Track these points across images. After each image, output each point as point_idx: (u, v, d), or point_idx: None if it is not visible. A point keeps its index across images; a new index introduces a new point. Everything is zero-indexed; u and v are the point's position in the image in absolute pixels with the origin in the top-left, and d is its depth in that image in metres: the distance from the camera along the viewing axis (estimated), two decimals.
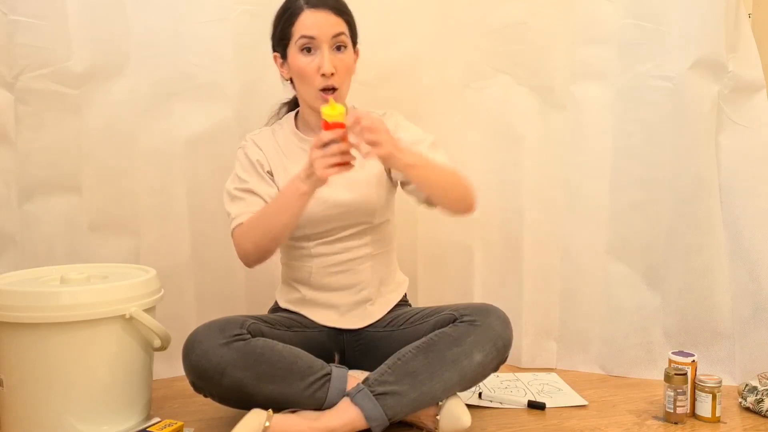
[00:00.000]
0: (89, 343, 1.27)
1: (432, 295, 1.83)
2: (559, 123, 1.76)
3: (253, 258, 1.38)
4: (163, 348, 1.39)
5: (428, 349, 1.31)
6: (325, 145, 1.23)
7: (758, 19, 2.00)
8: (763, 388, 1.47)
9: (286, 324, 1.42)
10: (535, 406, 1.50)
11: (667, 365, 1.46)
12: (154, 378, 1.44)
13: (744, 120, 1.65)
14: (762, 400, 1.46)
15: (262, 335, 1.32)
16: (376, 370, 1.30)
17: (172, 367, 1.59)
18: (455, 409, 1.30)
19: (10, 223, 1.62)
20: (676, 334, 1.69)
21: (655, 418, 1.45)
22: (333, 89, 1.37)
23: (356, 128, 1.21)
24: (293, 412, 1.29)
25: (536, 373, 1.76)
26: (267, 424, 1.23)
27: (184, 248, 1.72)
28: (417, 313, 1.45)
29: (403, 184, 1.46)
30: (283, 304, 1.51)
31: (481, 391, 1.56)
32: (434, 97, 1.81)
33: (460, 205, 1.38)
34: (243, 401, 1.28)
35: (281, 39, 1.41)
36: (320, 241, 1.45)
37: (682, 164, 1.65)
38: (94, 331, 1.27)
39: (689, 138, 1.65)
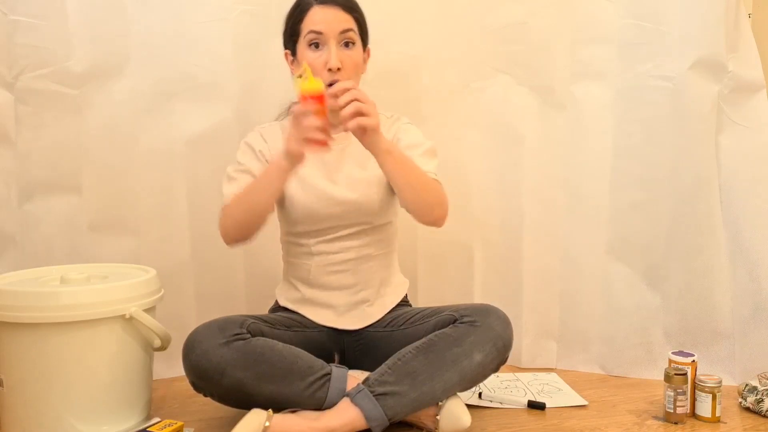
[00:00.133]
0: (89, 343, 1.27)
1: (432, 295, 1.83)
2: (559, 123, 1.76)
3: (232, 235, 1.37)
4: (163, 348, 1.39)
5: (428, 349, 1.31)
6: (300, 118, 1.21)
7: (758, 19, 2.00)
8: (763, 388, 1.47)
9: (286, 324, 1.42)
10: (535, 406, 1.50)
11: (667, 365, 1.46)
12: (154, 378, 1.44)
13: (744, 120, 1.65)
14: (762, 400, 1.46)
15: (262, 335, 1.32)
16: (376, 371, 1.30)
17: (172, 367, 1.59)
18: (455, 409, 1.30)
19: (10, 223, 1.62)
20: (676, 334, 1.69)
21: (655, 418, 1.45)
22: None
23: (345, 95, 1.20)
24: (293, 412, 1.29)
25: (536, 373, 1.76)
26: (267, 424, 1.22)
27: (184, 248, 1.72)
28: (417, 314, 1.45)
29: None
30: (282, 302, 1.51)
31: (481, 391, 1.56)
32: (434, 97, 1.81)
33: (428, 213, 1.35)
34: (243, 401, 1.28)
35: (291, 35, 1.43)
36: (321, 239, 1.45)
37: (682, 164, 1.66)
38: (94, 331, 1.27)
39: (689, 138, 1.65)
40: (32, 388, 1.26)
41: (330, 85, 1.37)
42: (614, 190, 1.72)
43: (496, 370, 1.36)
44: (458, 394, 1.34)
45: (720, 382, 1.42)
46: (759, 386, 1.48)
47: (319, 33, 1.37)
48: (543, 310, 1.81)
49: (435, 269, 1.86)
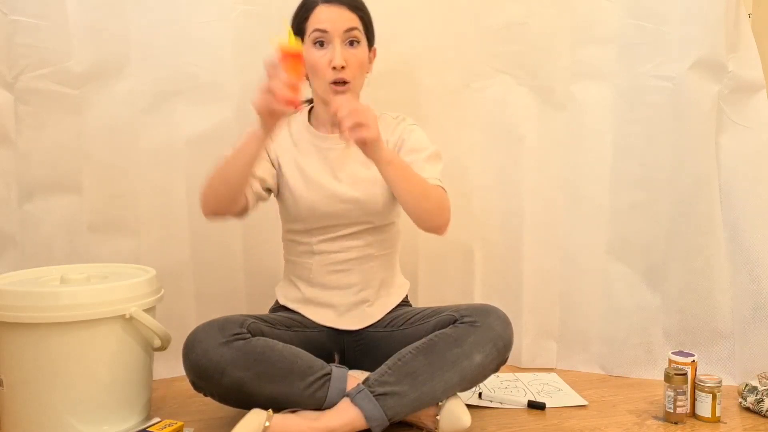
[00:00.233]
0: (89, 343, 1.27)
1: (432, 295, 1.83)
2: (559, 123, 1.76)
3: (209, 205, 1.33)
4: (163, 348, 1.39)
5: (428, 349, 1.31)
6: (272, 71, 1.18)
7: (758, 19, 2.00)
8: (763, 388, 1.47)
9: (286, 324, 1.42)
10: (535, 406, 1.50)
11: (667, 365, 1.46)
12: (154, 378, 1.44)
13: (744, 120, 1.65)
14: (762, 400, 1.46)
15: (262, 335, 1.32)
16: (376, 371, 1.30)
17: (172, 367, 1.58)
18: (455, 409, 1.30)
19: (10, 223, 1.62)
20: (676, 334, 1.69)
21: (655, 418, 1.45)
22: (344, 82, 1.38)
23: (344, 110, 1.19)
24: (293, 412, 1.29)
25: (536, 373, 1.76)
26: (267, 424, 1.22)
27: (184, 248, 1.72)
28: (417, 314, 1.45)
29: None
30: (282, 301, 1.51)
31: (481, 391, 1.56)
32: (434, 98, 1.81)
33: (429, 220, 1.34)
34: (243, 401, 1.28)
35: (297, 33, 1.43)
36: (323, 237, 1.45)
37: (682, 164, 1.66)
38: (94, 331, 1.27)
39: (689, 138, 1.65)
40: (32, 388, 1.26)
41: (334, 83, 1.38)
42: (614, 190, 1.72)
43: (496, 370, 1.36)
44: (458, 394, 1.34)
45: (720, 382, 1.42)
46: (759, 386, 1.48)
47: (323, 31, 1.38)
48: (543, 310, 1.81)
49: (435, 269, 1.86)
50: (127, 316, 1.30)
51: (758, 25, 1.94)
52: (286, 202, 1.45)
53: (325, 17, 1.38)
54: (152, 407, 1.44)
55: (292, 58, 1.19)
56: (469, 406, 1.37)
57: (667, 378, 1.42)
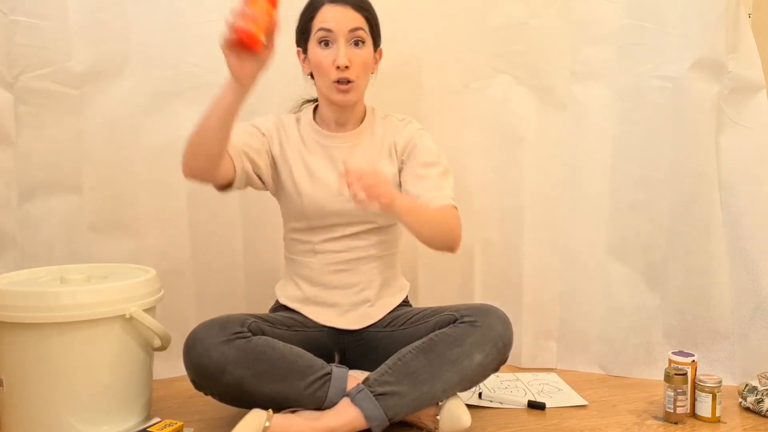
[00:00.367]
0: (89, 343, 1.27)
1: (432, 295, 1.83)
2: (559, 123, 1.76)
3: (187, 165, 1.30)
4: (163, 348, 1.39)
5: (428, 349, 1.31)
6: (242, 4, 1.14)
7: (758, 19, 2.00)
8: (763, 388, 1.47)
9: (286, 323, 1.42)
10: (535, 406, 1.50)
11: (667, 365, 1.46)
12: (154, 378, 1.44)
13: (744, 120, 1.65)
14: (762, 400, 1.46)
15: (263, 334, 1.32)
16: (376, 371, 1.31)
17: (172, 367, 1.58)
18: (455, 409, 1.30)
19: (10, 223, 1.62)
20: (676, 334, 1.69)
21: (655, 418, 1.45)
22: (348, 81, 1.38)
23: (358, 184, 1.18)
24: (293, 411, 1.29)
25: (536, 373, 1.76)
26: (267, 424, 1.23)
27: (184, 248, 1.72)
28: (417, 314, 1.45)
29: None
30: (283, 301, 1.51)
31: (481, 391, 1.56)
32: (434, 97, 1.81)
33: (441, 245, 1.38)
34: (243, 400, 1.28)
35: (302, 33, 1.44)
36: (325, 237, 1.45)
37: (682, 164, 1.66)
38: (94, 331, 1.27)
39: (689, 138, 1.65)
40: (32, 388, 1.26)
41: (337, 82, 1.37)
42: (614, 190, 1.72)
43: (496, 370, 1.36)
44: (458, 394, 1.34)
45: (720, 382, 1.42)
46: (759, 386, 1.48)
47: (328, 31, 1.38)
48: (543, 310, 1.81)
49: (435, 269, 1.86)
50: (127, 316, 1.30)
51: (758, 25, 1.94)
52: (291, 198, 1.45)
53: (331, 17, 1.38)
54: (152, 407, 1.44)
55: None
56: (469, 406, 1.37)
57: (667, 378, 1.42)
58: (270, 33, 1.16)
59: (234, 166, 1.35)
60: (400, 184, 1.47)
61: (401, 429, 1.33)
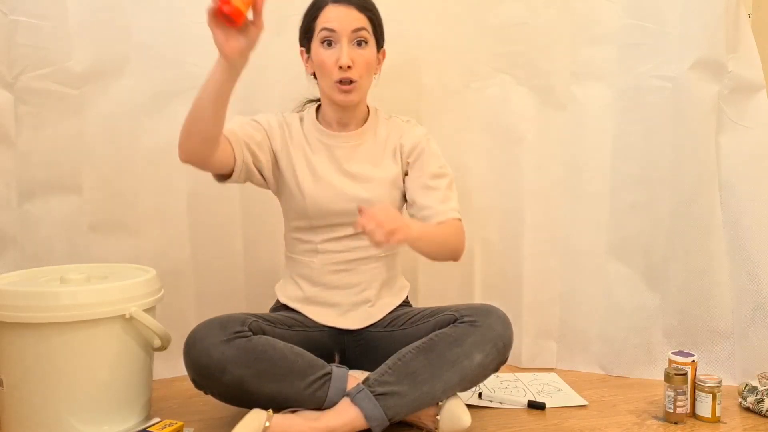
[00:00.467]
0: (89, 343, 1.27)
1: (432, 295, 1.83)
2: (559, 123, 1.76)
3: (182, 147, 1.30)
4: (163, 348, 1.39)
5: (428, 349, 1.31)
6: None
7: (758, 19, 2.00)
8: (763, 388, 1.47)
9: (287, 323, 1.42)
10: (535, 406, 1.50)
11: (667, 365, 1.46)
12: (154, 378, 1.44)
13: (744, 120, 1.65)
14: (762, 400, 1.46)
15: (264, 333, 1.32)
16: (376, 371, 1.31)
17: (172, 367, 1.59)
18: (455, 409, 1.30)
19: (10, 223, 1.62)
20: (676, 334, 1.69)
21: (655, 418, 1.45)
22: (350, 81, 1.38)
23: (372, 225, 1.17)
24: (293, 411, 1.29)
25: (536, 373, 1.76)
26: (267, 424, 1.22)
27: (184, 248, 1.72)
28: (417, 314, 1.45)
29: (406, 207, 1.50)
30: (283, 300, 1.51)
31: (481, 391, 1.56)
32: (434, 98, 1.81)
33: (446, 259, 1.42)
34: (243, 399, 1.28)
35: (306, 33, 1.44)
36: (327, 237, 1.45)
37: (682, 164, 1.66)
38: (94, 331, 1.27)
39: (689, 138, 1.65)
40: (32, 388, 1.26)
41: (340, 82, 1.37)
42: (614, 190, 1.72)
43: (496, 370, 1.36)
44: (458, 394, 1.34)
45: (720, 382, 1.42)
46: (759, 386, 1.48)
47: (332, 31, 1.38)
48: (543, 310, 1.81)
49: (435, 269, 1.86)
50: (127, 316, 1.30)
51: (758, 25, 1.94)
52: (293, 197, 1.45)
53: (334, 16, 1.38)
54: (152, 407, 1.44)
55: None
56: (469, 406, 1.37)
57: (667, 378, 1.42)
58: (257, 9, 1.15)
59: (234, 156, 1.35)
60: (403, 184, 1.48)
61: (401, 429, 1.33)
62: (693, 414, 1.44)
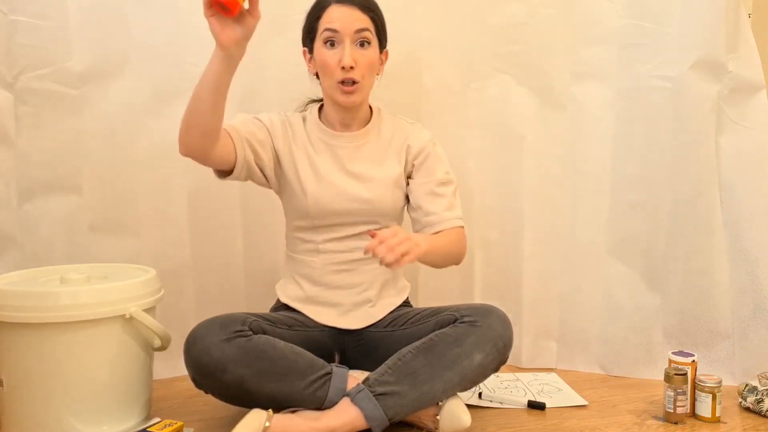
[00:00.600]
0: (89, 343, 1.27)
1: (432, 295, 1.83)
2: (559, 123, 1.76)
3: (182, 139, 1.29)
4: (163, 348, 1.39)
5: (429, 349, 1.31)
6: None
7: (758, 19, 2.00)
8: (763, 388, 1.47)
9: (287, 323, 1.42)
10: (535, 406, 1.50)
11: (667, 365, 1.46)
12: (154, 378, 1.44)
13: (744, 120, 1.65)
14: (762, 400, 1.46)
15: (264, 333, 1.32)
16: (376, 371, 1.31)
17: (172, 367, 1.59)
18: (455, 409, 1.30)
19: (10, 223, 1.62)
20: (676, 334, 1.69)
21: (655, 418, 1.45)
22: (353, 82, 1.38)
23: (382, 248, 1.18)
24: (293, 411, 1.29)
25: (536, 373, 1.76)
26: (267, 424, 1.22)
27: (184, 248, 1.72)
28: (418, 314, 1.45)
29: (409, 209, 1.51)
30: (283, 299, 1.51)
31: (481, 391, 1.56)
32: (434, 98, 1.81)
33: (451, 264, 1.47)
34: (243, 398, 1.28)
35: (309, 33, 1.44)
36: (329, 236, 1.45)
37: (682, 164, 1.66)
38: (94, 331, 1.27)
39: (689, 138, 1.65)
40: (32, 388, 1.26)
41: (342, 82, 1.38)
42: (614, 190, 1.72)
43: (496, 370, 1.36)
44: (458, 394, 1.34)
45: (720, 382, 1.42)
46: (759, 386, 1.48)
47: (334, 31, 1.38)
48: (543, 310, 1.81)
49: (435, 269, 1.86)
50: (127, 316, 1.30)
51: (758, 25, 1.94)
52: (295, 197, 1.45)
53: (337, 17, 1.38)
54: (152, 407, 1.44)
55: None
56: (469, 406, 1.37)
57: (667, 378, 1.42)
58: None
59: (235, 152, 1.36)
60: (407, 185, 1.49)
61: (401, 429, 1.33)
62: (693, 414, 1.44)
